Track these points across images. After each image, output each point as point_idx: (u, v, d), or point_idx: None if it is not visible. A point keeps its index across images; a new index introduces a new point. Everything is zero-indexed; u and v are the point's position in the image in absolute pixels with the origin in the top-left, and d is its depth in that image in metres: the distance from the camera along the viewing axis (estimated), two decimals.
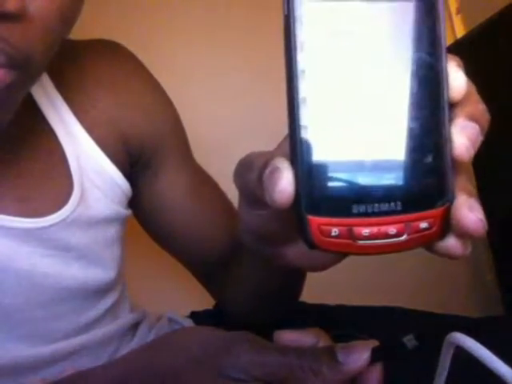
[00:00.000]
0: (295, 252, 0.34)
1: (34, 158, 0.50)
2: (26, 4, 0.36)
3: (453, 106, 0.27)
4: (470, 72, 0.29)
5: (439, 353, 0.32)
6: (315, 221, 0.26)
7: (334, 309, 0.66)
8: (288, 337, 0.35)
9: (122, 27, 0.95)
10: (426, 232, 0.27)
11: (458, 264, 1.12)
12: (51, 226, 0.49)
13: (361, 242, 0.26)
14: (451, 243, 0.28)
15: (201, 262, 0.66)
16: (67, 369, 0.38)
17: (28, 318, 0.50)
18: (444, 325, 0.35)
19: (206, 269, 0.66)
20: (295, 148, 0.26)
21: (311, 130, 0.26)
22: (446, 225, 0.27)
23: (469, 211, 0.26)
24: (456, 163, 0.27)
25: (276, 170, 0.26)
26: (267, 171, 0.27)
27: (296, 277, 0.56)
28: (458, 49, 0.94)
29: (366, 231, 0.26)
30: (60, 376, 0.37)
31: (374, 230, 0.26)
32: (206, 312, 0.73)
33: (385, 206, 0.26)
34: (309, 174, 0.26)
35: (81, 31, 0.55)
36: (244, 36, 1.08)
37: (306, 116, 0.26)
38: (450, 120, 0.27)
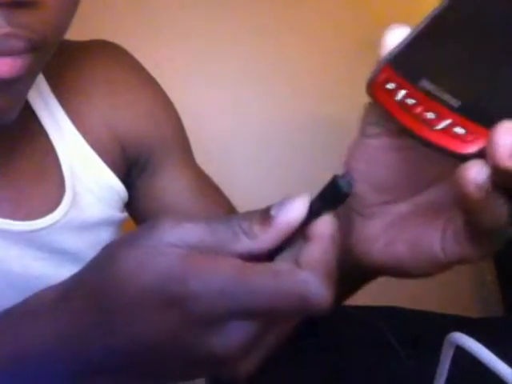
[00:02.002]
0: (385, 245, 0.34)
1: (26, 160, 0.49)
2: None
3: None
4: None
5: (439, 353, 0.32)
6: (387, 70, 0.29)
7: (334, 309, 0.66)
8: None
9: (120, 28, 0.95)
10: (458, 138, 0.27)
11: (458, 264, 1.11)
12: (42, 229, 0.48)
13: (403, 107, 0.28)
14: (474, 169, 0.27)
15: None
16: None
17: None
18: (444, 325, 0.35)
19: None
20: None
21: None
22: (478, 147, 0.27)
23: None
24: None
25: None
26: None
27: None
28: None
29: (412, 100, 0.28)
30: None
31: (418, 104, 0.28)
32: None
33: (446, 97, 0.28)
34: (421, 37, 0.29)
35: (78, 32, 0.55)
36: (245, 37, 1.08)
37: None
38: None
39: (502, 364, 0.27)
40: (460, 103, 0.27)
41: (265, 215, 0.28)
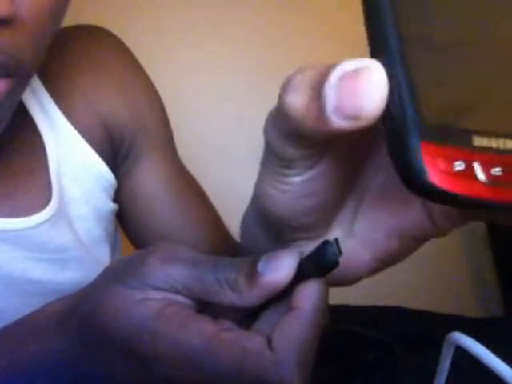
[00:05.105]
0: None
1: (15, 153, 0.48)
2: (16, 8, 0.35)
3: None
4: None
5: (439, 353, 0.32)
6: (431, 148, 0.19)
7: (335, 308, 0.66)
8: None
9: (119, 25, 0.95)
10: None
11: (458, 264, 1.12)
12: (33, 227, 0.47)
13: (494, 184, 0.19)
14: None
15: None
16: None
17: None
18: (444, 324, 0.35)
19: None
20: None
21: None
22: None
23: None
24: None
25: (360, 70, 0.19)
26: (338, 75, 0.20)
27: None
28: None
29: (496, 169, 0.19)
30: None
31: (505, 169, 0.19)
32: None
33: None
34: (425, 81, 0.19)
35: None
36: (243, 34, 1.08)
37: None
38: None
39: (502, 364, 0.27)
40: None
41: (252, 270, 0.27)
